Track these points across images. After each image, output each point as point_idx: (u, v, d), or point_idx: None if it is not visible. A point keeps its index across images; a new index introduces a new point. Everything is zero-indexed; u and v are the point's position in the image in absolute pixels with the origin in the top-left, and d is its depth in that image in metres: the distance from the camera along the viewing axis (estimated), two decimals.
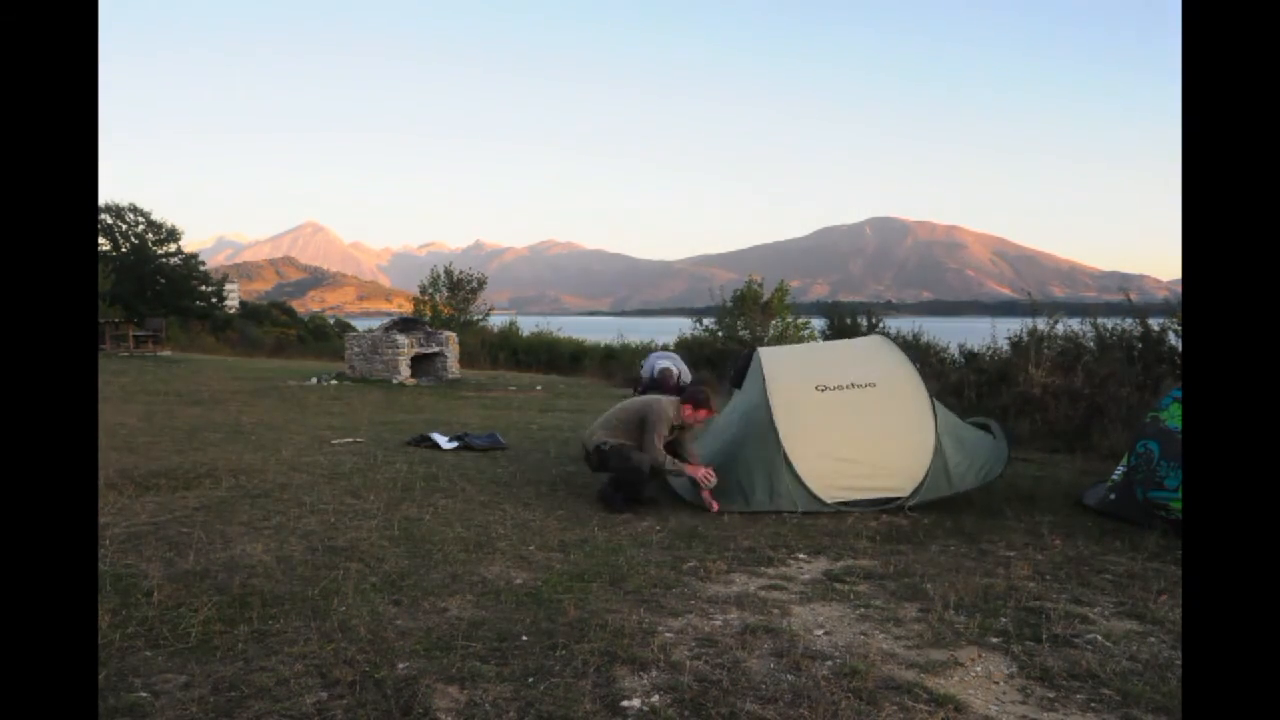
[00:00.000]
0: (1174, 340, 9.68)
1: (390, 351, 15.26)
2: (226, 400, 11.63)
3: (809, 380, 5.99)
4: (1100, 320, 10.69)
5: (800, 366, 6.39)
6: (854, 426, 5.69)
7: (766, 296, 19.46)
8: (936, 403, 5.90)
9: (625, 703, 2.63)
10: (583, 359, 23.04)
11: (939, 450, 5.58)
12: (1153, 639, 3.32)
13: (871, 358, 6.39)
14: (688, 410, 5.82)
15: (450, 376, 16.15)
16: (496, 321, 29.35)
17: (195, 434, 8.25)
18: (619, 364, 20.19)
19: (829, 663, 2.99)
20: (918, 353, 11.45)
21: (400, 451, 7.61)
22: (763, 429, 5.68)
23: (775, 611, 3.55)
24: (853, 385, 5.93)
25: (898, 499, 5.49)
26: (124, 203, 33.78)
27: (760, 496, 5.44)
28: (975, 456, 5.82)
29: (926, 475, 5.52)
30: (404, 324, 16.59)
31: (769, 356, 6.35)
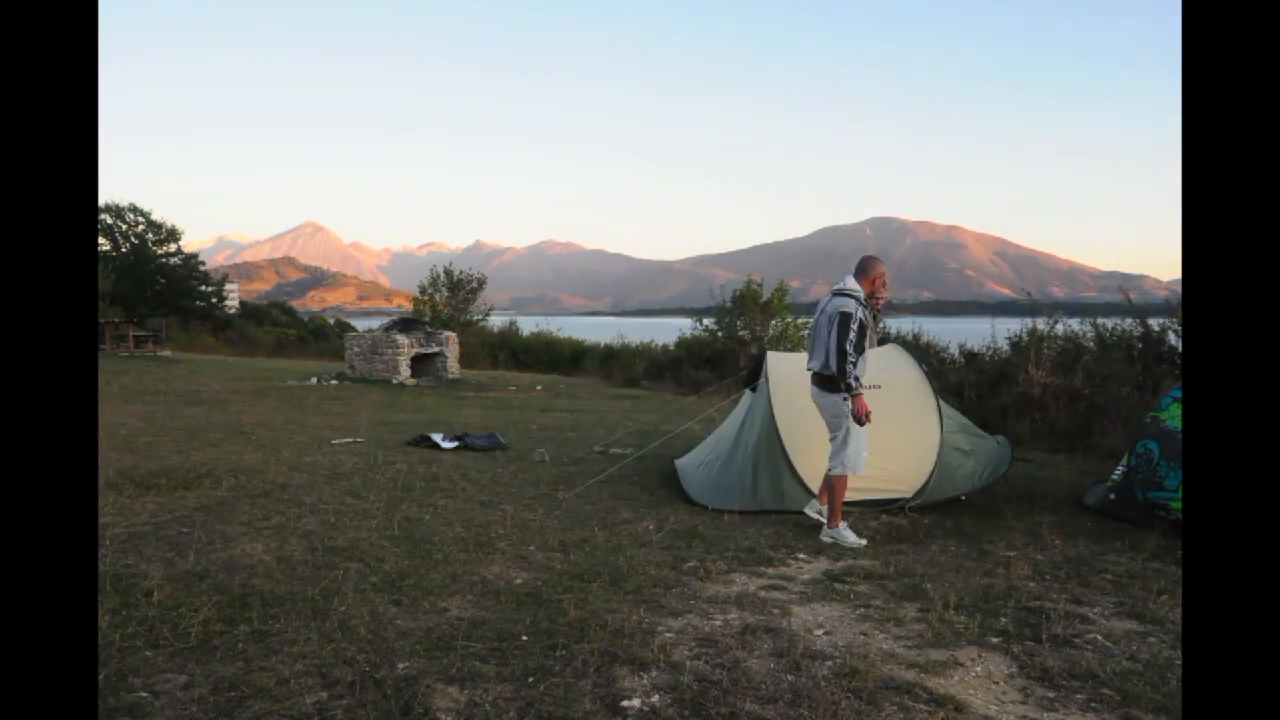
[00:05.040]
0: (1174, 340, 9.68)
1: (390, 351, 15.27)
2: (226, 400, 11.63)
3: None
4: (1100, 320, 10.69)
5: (805, 369, 6.40)
6: None
7: (766, 296, 19.45)
8: (944, 405, 5.90)
9: (625, 703, 2.63)
10: (583, 359, 23.05)
11: (943, 454, 5.58)
12: (1153, 639, 3.32)
13: (881, 364, 6.40)
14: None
15: (450, 376, 16.15)
16: (496, 322, 29.36)
17: (195, 434, 8.25)
18: (619, 364, 20.20)
19: (829, 663, 2.99)
20: (918, 353, 11.46)
21: (400, 451, 7.61)
22: (765, 429, 5.68)
23: (775, 611, 3.55)
24: None
25: (899, 500, 5.50)
26: (124, 203, 33.75)
27: (763, 496, 5.45)
28: (979, 460, 5.82)
29: (930, 478, 5.52)
30: (404, 324, 16.59)
31: (775, 359, 6.36)
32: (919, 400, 5.88)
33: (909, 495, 5.50)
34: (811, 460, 5.49)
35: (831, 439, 4.90)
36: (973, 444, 5.94)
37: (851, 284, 4.91)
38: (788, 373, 6.18)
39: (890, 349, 6.94)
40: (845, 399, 4.74)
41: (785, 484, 5.44)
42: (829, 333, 4.79)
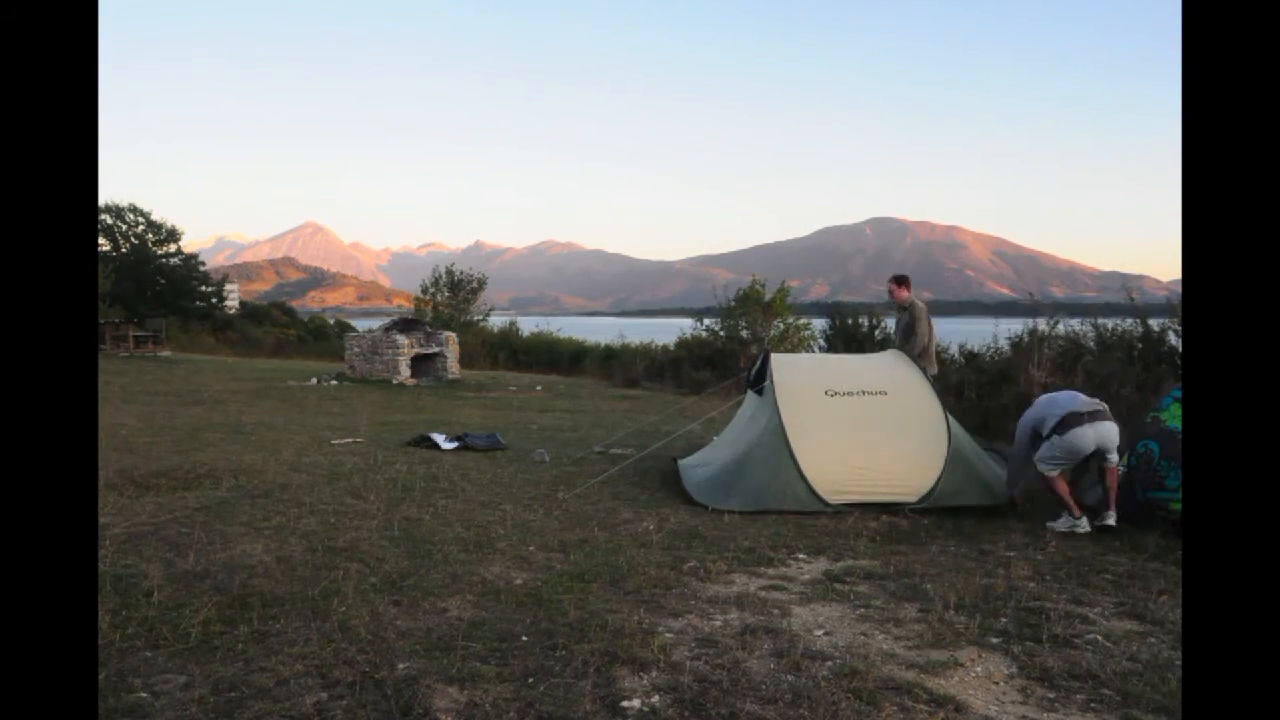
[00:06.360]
0: (1174, 340, 9.67)
1: (390, 351, 15.27)
2: (226, 401, 11.63)
3: (819, 385, 6.00)
4: (1100, 320, 10.69)
5: (811, 372, 6.41)
6: (863, 432, 5.70)
7: (769, 297, 19.46)
8: (950, 417, 5.89)
9: (625, 703, 2.63)
10: (583, 359, 23.05)
11: (950, 463, 5.56)
12: (1153, 639, 3.32)
13: (885, 369, 6.41)
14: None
15: (450, 377, 16.15)
16: (496, 322, 29.39)
17: (195, 434, 8.25)
18: (619, 364, 20.18)
19: (829, 663, 2.99)
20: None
21: (400, 452, 7.61)
22: (771, 430, 5.68)
23: (775, 612, 3.55)
24: (863, 392, 5.93)
25: (902, 504, 5.50)
26: (124, 203, 33.80)
27: (769, 497, 5.44)
28: (986, 474, 5.81)
29: (936, 485, 5.50)
30: (404, 324, 16.59)
31: (779, 361, 6.37)
32: (926, 407, 5.89)
33: (913, 501, 5.50)
34: (817, 461, 5.49)
35: None
36: (979, 459, 5.93)
37: None
38: (793, 374, 6.19)
39: (891, 354, 6.93)
40: None
41: (794, 485, 5.43)
42: None
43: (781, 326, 19.11)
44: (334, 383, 14.60)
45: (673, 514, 5.36)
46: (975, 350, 12.16)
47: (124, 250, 33.07)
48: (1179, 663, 3.04)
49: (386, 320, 16.71)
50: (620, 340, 23.34)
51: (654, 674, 2.85)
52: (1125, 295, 11.06)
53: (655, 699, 2.65)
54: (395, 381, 14.92)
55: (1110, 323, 10.63)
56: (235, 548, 4.27)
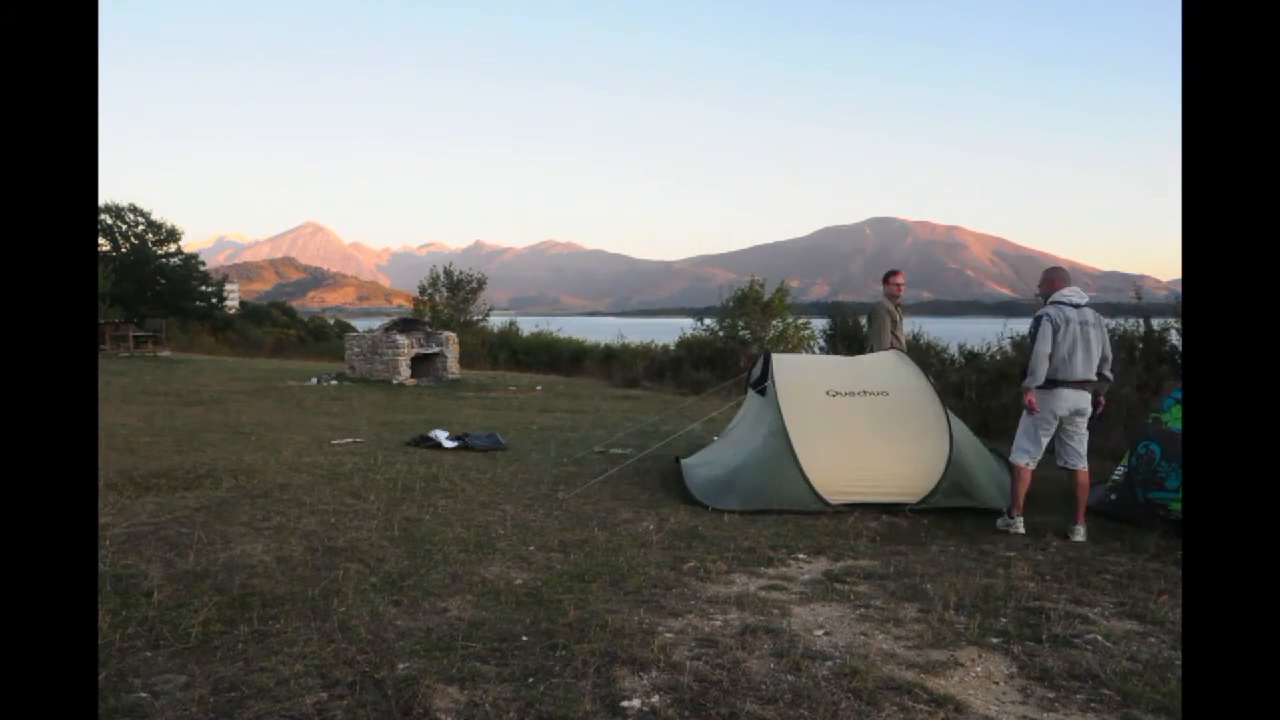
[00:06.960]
0: (1175, 340, 9.67)
1: (390, 352, 15.26)
2: (226, 401, 11.62)
3: (820, 385, 6.01)
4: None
5: (812, 372, 6.42)
6: (864, 433, 5.70)
7: (768, 297, 19.46)
8: (952, 416, 5.89)
9: (625, 703, 2.63)
10: (583, 359, 23.04)
11: (950, 464, 5.57)
12: (1153, 639, 3.32)
13: (886, 370, 6.41)
14: (892, 286, 7.80)
15: (450, 377, 16.14)
16: (496, 322, 29.36)
17: (195, 434, 8.25)
18: (619, 364, 20.18)
19: (829, 663, 2.99)
20: (917, 355, 11.45)
21: (400, 452, 7.61)
22: (773, 430, 5.68)
23: (775, 612, 3.55)
24: (864, 392, 5.94)
25: (902, 505, 5.50)
26: (124, 203, 33.74)
27: (768, 497, 5.44)
28: (986, 475, 5.81)
29: (938, 485, 5.50)
30: (404, 324, 16.58)
31: (781, 361, 6.37)
32: (926, 408, 5.89)
33: (914, 501, 5.50)
34: (819, 461, 5.49)
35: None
36: (980, 460, 5.93)
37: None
38: (794, 374, 6.19)
39: (892, 355, 6.94)
40: None
41: (795, 485, 5.43)
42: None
43: (780, 326, 19.09)
44: (334, 383, 14.60)
45: (673, 514, 5.36)
46: (975, 350, 12.16)
47: (124, 250, 33.04)
48: (1179, 663, 3.04)
49: (386, 320, 16.70)
50: (620, 340, 23.32)
51: (654, 674, 2.85)
52: (1130, 294, 11.05)
53: (655, 699, 2.66)
54: (395, 381, 14.92)
55: (1111, 322, 10.63)
56: (235, 548, 4.27)
